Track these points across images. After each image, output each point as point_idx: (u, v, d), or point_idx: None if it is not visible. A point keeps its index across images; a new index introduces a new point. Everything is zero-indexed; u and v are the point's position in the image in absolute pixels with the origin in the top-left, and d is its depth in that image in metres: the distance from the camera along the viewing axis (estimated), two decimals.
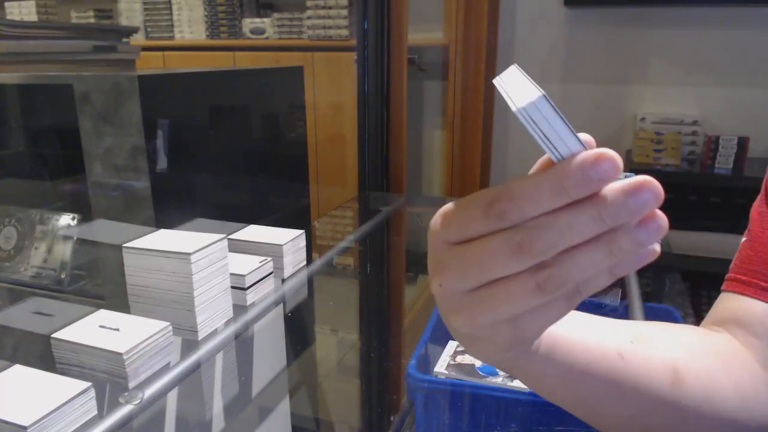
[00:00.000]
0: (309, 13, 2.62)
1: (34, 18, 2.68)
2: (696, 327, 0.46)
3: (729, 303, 0.45)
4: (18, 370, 0.60)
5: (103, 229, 0.91)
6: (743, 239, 0.48)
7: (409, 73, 1.74)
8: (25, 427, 0.51)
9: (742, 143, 2.07)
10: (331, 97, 2.49)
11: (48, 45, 1.13)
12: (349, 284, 1.27)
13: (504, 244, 0.24)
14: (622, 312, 0.86)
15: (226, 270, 0.78)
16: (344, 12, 2.56)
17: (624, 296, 0.91)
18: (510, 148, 2.58)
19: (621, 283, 0.94)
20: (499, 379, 0.69)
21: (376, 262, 1.38)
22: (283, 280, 0.92)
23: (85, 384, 0.57)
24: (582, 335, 0.35)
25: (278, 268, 0.91)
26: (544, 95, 0.23)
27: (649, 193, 0.23)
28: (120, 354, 0.62)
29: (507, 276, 0.25)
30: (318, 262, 1.12)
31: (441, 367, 0.74)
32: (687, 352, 0.39)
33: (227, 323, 0.79)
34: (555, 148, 0.24)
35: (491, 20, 2.36)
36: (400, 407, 0.91)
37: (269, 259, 0.88)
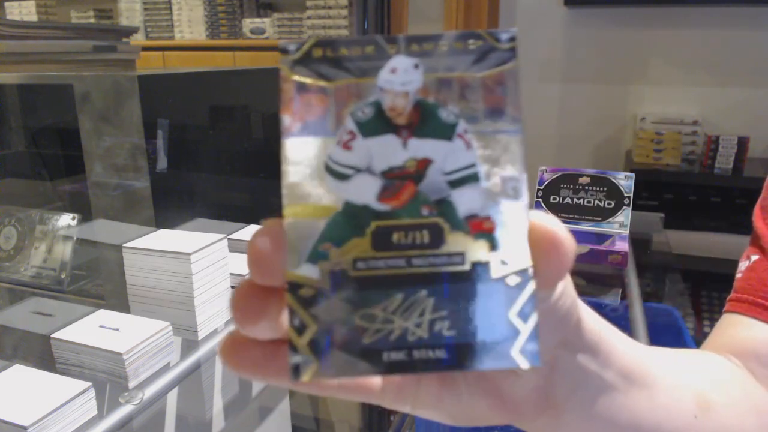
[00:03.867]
0: (309, 13, 2.62)
1: (34, 18, 2.68)
2: (740, 373, 0.40)
3: (746, 331, 0.41)
4: (18, 369, 0.60)
5: (103, 229, 0.91)
6: (753, 257, 0.44)
7: None
8: (25, 427, 0.51)
9: (742, 143, 2.07)
10: None
11: (48, 45, 1.13)
12: None
13: None
14: (623, 312, 0.86)
15: (226, 270, 0.78)
16: (344, 12, 2.56)
17: (624, 296, 0.91)
18: None
19: (621, 284, 0.94)
20: None
21: None
22: None
23: (85, 384, 0.57)
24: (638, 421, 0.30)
25: None
26: None
27: None
28: (120, 354, 0.62)
29: None
30: None
31: None
32: (739, 426, 0.35)
33: (227, 323, 0.79)
34: None
35: (491, 20, 2.36)
36: None
37: None
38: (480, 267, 0.19)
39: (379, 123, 0.19)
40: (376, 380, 0.25)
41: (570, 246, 0.20)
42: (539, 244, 0.19)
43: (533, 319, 0.18)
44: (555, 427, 0.27)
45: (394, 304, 0.18)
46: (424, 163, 0.19)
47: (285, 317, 0.19)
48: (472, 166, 0.19)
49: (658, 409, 0.30)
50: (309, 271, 0.18)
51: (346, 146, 0.19)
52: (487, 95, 0.20)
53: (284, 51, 0.20)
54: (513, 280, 0.19)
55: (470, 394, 0.25)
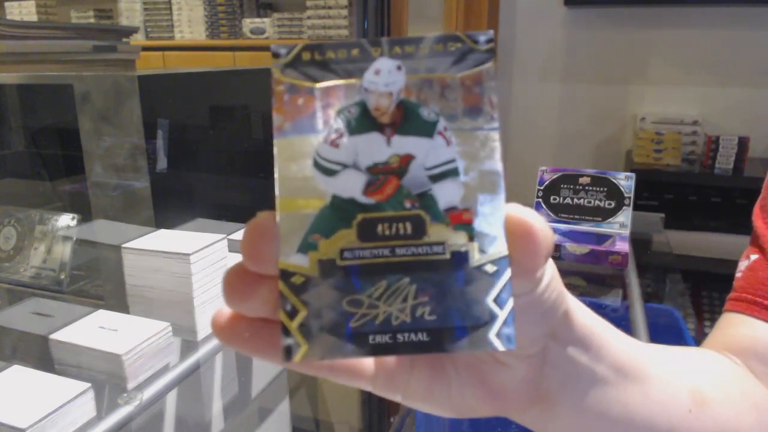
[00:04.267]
0: (309, 12, 2.62)
1: (34, 18, 2.68)
2: (739, 371, 0.40)
3: (745, 329, 0.41)
4: (17, 370, 0.59)
5: (102, 230, 0.91)
6: (753, 256, 0.45)
7: None
8: (23, 429, 0.51)
9: (743, 143, 2.07)
10: None
11: (48, 45, 1.12)
12: None
13: None
14: (623, 312, 0.86)
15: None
16: (344, 12, 2.56)
17: (625, 297, 0.91)
18: (509, 148, 2.58)
19: (622, 284, 0.94)
20: None
21: None
22: None
23: (85, 385, 0.57)
24: (633, 408, 0.30)
25: None
26: None
27: None
28: (119, 355, 0.62)
29: None
30: None
31: None
32: (735, 422, 0.35)
33: None
34: None
35: (491, 20, 2.36)
36: (400, 408, 0.91)
37: None
38: (459, 256, 0.20)
39: (364, 121, 0.21)
40: (368, 366, 0.25)
41: (544, 236, 0.20)
42: (514, 233, 0.20)
43: (509, 305, 0.20)
44: (546, 420, 0.28)
45: (378, 290, 0.20)
46: (407, 159, 0.21)
47: (272, 298, 0.20)
48: (452, 161, 0.20)
49: (651, 403, 0.30)
50: (299, 260, 0.20)
51: (334, 143, 0.20)
52: (466, 94, 0.21)
53: (276, 55, 0.21)
54: (490, 268, 0.20)
55: (460, 385, 0.25)
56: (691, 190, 2.20)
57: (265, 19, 2.75)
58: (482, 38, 0.21)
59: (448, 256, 0.20)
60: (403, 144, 0.21)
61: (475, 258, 0.20)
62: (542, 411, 0.27)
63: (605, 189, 1.00)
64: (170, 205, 0.92)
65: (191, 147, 1.00)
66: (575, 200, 1.00)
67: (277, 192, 0.20)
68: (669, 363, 0.34)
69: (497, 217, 0.20)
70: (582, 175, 1.01)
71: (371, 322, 0.19)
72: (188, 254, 0.71)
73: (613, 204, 0.99)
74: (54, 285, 0.87)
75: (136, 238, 0.76)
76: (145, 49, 1.60)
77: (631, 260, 0.97)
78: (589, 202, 1.00)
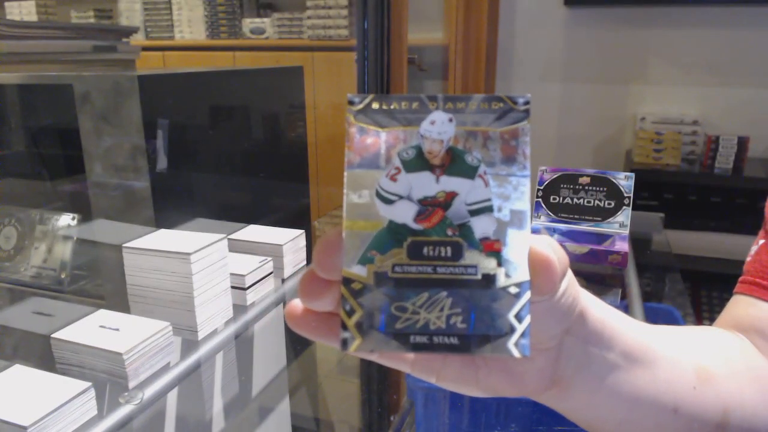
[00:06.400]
0: (309, 12, 2.62)
1: (34, 18, 2.68)
2: (745, 346, 0.42)
3: (749, 309, 0.44)
4: (18, 369, 0.59)
5: (103, 229, 0.91)
6: (761, 241, 0.47)
7: (409, 73, 1.73)
8: (25, 427, 0.51)
9: (742, 143, 2.07)
10: (331, 97, 2.49)
11: (48, 45, 1.13)
12: None
13: None
14: (623, 311, 0.86)
15: (226, 270, 0.78)
16: (344, 12, 2.56)
17: (624, 296, 0.91)
18: None
19: (621, 284, 0.94)
20: None
21: None
22: (283, 280, 0.92)
23: (85, 384, 0.57)
24: (636, 388, 0.33)
25: (278, 267, 0.91)
26: None
27: None
28: (120, 354, 0.62)
29: None
30: None
31: None
32: (739, 395, 0.38)
33: (227, 323, 0.79)
34: None
35: (491, 20, 2.36)
36: (400, 407, 0.91)
37: (269, 259, 0.88)
38: (489, 278, 0.24)
39: (419, 162, 0.25)
40: (409, 353, 0.30)
41: (559, 268, 0.25)
42: (535, 264, 0.24)
43: (527, 320, 0.23)
44: (563, 399, 0.32)
45: (421, 300, 0.24)
46: (451, 195, 0.25)
47: (335, 298, 0.25)
48: (488, 200, 0.25)
49: (657, 383, 0.34)
50: (359, 271, 0.24)
51: (393, 178, 0.25)
52: (504, 146, 0.25)
53: (350, 102, 0.25)
54: (514, 290, 0.24)
55: (487, 372, 0.30)
56: (691, 190, 2.20)
57: (265, 19, 2.75)
58: (521, 100, 0.25)
59: (479, 277, 0.24)
60: (449, 183, 0.25)
61: (502, 280, 0.24)
62: (558, 392, 0.31)
63: (605, 189, 1.00)
64: (170, 205, 0.93)
65: (191, 147, 1.00)
66: (575, 200, 1.01)
67: (344, 214, 0.24)
68: (676, 344, 0.37)
69: (522, 249, 0.24)
70: (582, 175, 1.02)
71: (413, 325, 0.23)
72: (189, 254, 0.71)
73: (612, 204, 0.99)
74: (55, 284, 0.87)
75: (137, 237, 0.76)
76: (145, 49, 1.60)
77: (630, 260, 0.97)
78: (589, 202, 1.00)
